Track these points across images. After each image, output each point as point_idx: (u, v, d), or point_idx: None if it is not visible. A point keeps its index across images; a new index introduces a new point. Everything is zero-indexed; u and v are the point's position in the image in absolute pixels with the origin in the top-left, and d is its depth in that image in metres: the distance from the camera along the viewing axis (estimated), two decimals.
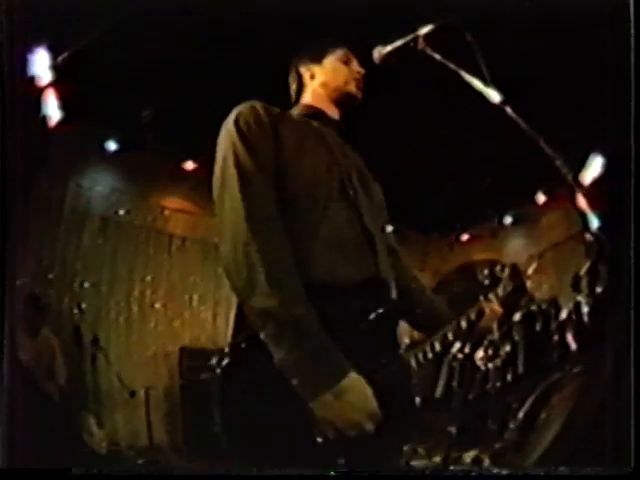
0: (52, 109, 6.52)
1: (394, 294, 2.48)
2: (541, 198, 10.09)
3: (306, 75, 2.77)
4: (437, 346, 2.50)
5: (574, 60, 5.14)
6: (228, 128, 2.36)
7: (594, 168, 7.42)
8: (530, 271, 7.27)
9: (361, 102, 2.79)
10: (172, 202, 9.67)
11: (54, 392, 7.00)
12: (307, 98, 2.74)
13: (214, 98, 7.11)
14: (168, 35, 5.81)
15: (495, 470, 3.35)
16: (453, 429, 6.16)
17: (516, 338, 6.57)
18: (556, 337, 6.25)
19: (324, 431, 1.98)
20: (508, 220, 11.29)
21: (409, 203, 9.70)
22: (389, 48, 2.61)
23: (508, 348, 6.40)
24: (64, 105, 6.52)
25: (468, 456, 6.02)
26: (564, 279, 7.17)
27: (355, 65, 2.75)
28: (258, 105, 2.39)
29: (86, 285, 8.38)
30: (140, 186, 9.36)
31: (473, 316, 2.52)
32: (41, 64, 5.72)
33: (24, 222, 3.46)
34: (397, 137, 7.84)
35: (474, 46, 2.26)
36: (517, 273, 2.68)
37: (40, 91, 5.85)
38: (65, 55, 5.58)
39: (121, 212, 8.96)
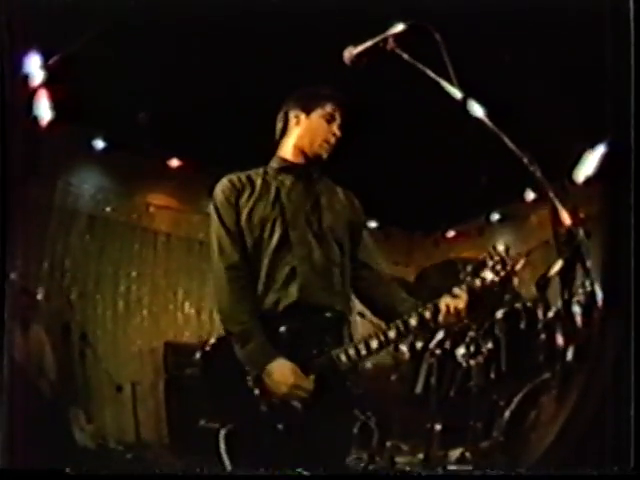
0: (44, 110, 6.54)
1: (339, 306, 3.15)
2: (530, 195, 10.10)
3: (293, 121, 3.32)
4: (374, 344, 2.96)
5: (574, 59, 5.18)
6: (211, 202, 3.26)
7: (588, 165, 7.48)
8: (518, 268, 7.30)
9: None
10: (157, 199, 9.70)
11: (45, 388, 7.02)
12: (286, 149, 3.34)
13: (200, 97, 7.18)
14: (155, 37, 5.85)
15: (496, 470, 3.38)
16: (437, 426, 6.18)
17: (498, 335, 6.53)
18: (543, 336, 6.23)
19: (267, 401, 2.89)
20: (495, 217, 11.30)
21: (394, 200, 9.76)
22: (359, 49, 2.72)
23: (490, 345, 6.36)
24: (55, 106, 6.54)
25: (453, 454, 6.06)
26: (553, 278, 7.20)
27: (335, 126, 3.27)
28: (228, 181, 3.23)
29: (74, 282, 8.41)
30: (126, 184, 9.43)
31: (428, 313, 2.96)
32: (33, 66, 5.74)
33: (16, 221, 3.49)
34: (384, 135, 7.87)
35: (441, 46, 2.39)
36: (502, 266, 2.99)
37: (32, 92, 5.87)
38: (56, 57, 5.61)
39: (107, 209, 9.00)
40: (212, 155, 7.71)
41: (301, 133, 3.28)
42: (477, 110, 2.34)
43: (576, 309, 5.80)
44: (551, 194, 2.17)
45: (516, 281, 7.07)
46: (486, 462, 5.33)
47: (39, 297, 7.90)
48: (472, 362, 6.29)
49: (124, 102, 7.14)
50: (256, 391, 2.92)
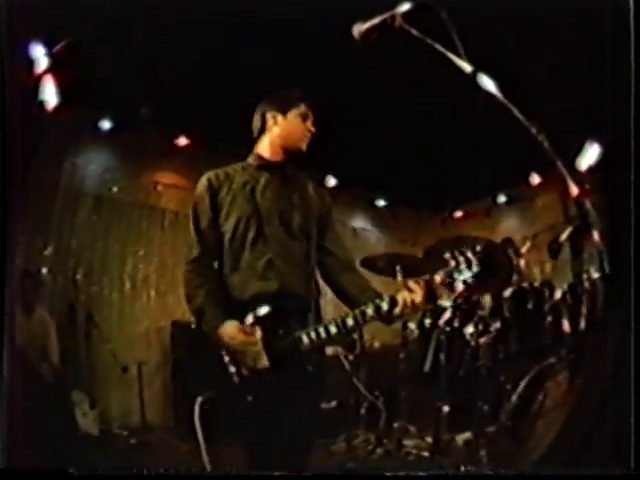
0: (49, 94, 6.53)
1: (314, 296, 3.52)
2: (535, 179, 10.10)
3: (270, 121, 3.64)
4: (333, 329, 3.24)
5: (574, 49, 5.15)
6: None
7: (590, 155, 7.46)
8: (523, 250, 7.27)
9: (355, 82, 3.37)
10: (165, 177, 9.67)
11: (47, 373, 7.02)
12: (263, 146, 3.66)
13: (206, 75, 7.13)
14: (161, 16, 5.80)
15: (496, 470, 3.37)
16: (445, 407, 6.16)
17: (507, 315, 6.53)
18: (550, 318, 6.22)
19: (239, 374, 3.22)
20: (502, 199, 11.32)
21: (402, 179, 9.73)
22: (368, 24, 2.73)
23: (498, 324, 6.34)
24: (61, 90, 6.53)
25: (461, 439, 6.03)
26: (559, 261, 7.15)
27: (309, 124, 3.61)
28: (207, 179, 3.55)
29: (80, 263, 8.40)
30: (133, 163, 9.41)
31: (385, 305, 3.20)
32: (38, 53, 5.73)
33: (21, 203, 3.48)
34: (391, 115, 7.84)
35: (448, 23, 2.39)
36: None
37: (37, 78, 5.87)
38: (61, 44, 5.60)
39: (114, 189, 8.98)
40: (219, 133, 7.69)
41: (280, 132, 3.61)
42: (487, 83, 2.34)
43: (580, 292, 5.80)
44: (559, 163, 2.15)
45: (523, 263, 7.06)
46: (493, 447, 5.30)
47: (44, 279, 7.89)
48: (481, 341, 6.25)
49: (130, 83, 7.10)
50: (226, 359, 3.26)
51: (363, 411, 7.28)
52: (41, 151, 6.69)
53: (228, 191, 3.54)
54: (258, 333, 3.25)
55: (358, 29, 2.75)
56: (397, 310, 3.21)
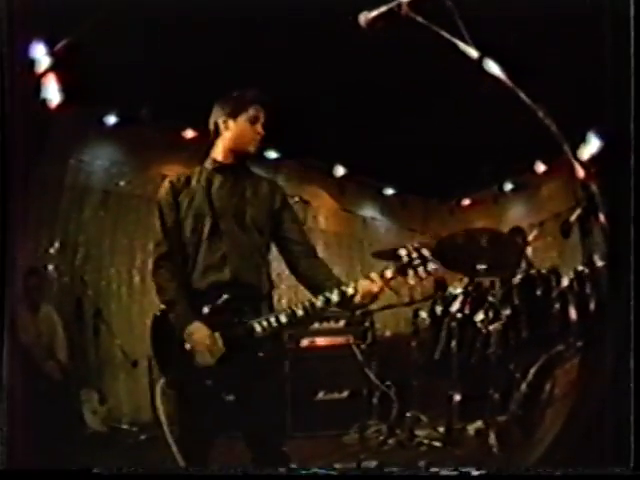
0: (52, 92, 6.54)
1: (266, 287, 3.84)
2: (540, 167, 10.13)
3: (222, 126, 3.86)
4: (283, 319, 3.54)
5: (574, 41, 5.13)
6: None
7: (592, 146, 7.45)
8: (531, 238, 7.26)
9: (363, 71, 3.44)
10: (173, 170, 9.60)
11: (55, 371, 7.03)
12: (217, 150, 3.92)
13: (211, 66, 7.10)
14: (164, 10, 5.78)
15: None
16: (457, 396, 6.14)
17: (516, 302, 6.53)
18: (557, 306, 6.23)
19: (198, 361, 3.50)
20: (509, 187, 11.34)
21: (411, 167, 9.71)
22: (374, 13, 2.77)
23: (508, 311, 6.34)
24: (64, 88, 6.53)
25: (472, 428, 6.01)
26: (565, 250, 7.13)
27: (259, 126, 3.85)
28: (169, 182, 3.88)
29: (88, 258, 8.41)
30: (140, 157, 9.40)
31: (335, 297, 3.51)
32: (41, 51, 5.74)
33: (24, 202, 3.48)
34: (398, 104, 7.83)
35: (453, 10, 2.46)
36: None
37: (39, 77, 5.89)
38: (63, 41, 5.60)
39: (122, 183, 8.98)
40: None
41: (230, 136, 3.86)
42: (494, 68, 2.36)
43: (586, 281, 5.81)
44: (566, 147, 2.16)
45: (530, 251, 7.05)
46: (505, 437, 5.29)
47: (50, 276, 7.89)
48: (491, 328, 6.24)
49: (134, 76, 7.08)
50: (188, 346, 3.53)
51: (375, 401, 7.27)
52: (45, 149, 6.71)
53: (187, 192, 3.86)
54: (221, 343, 3.55)
55: (364, 17, 2.79)
56: (357, 299, 3.50)
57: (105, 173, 9.06)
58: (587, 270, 5.90)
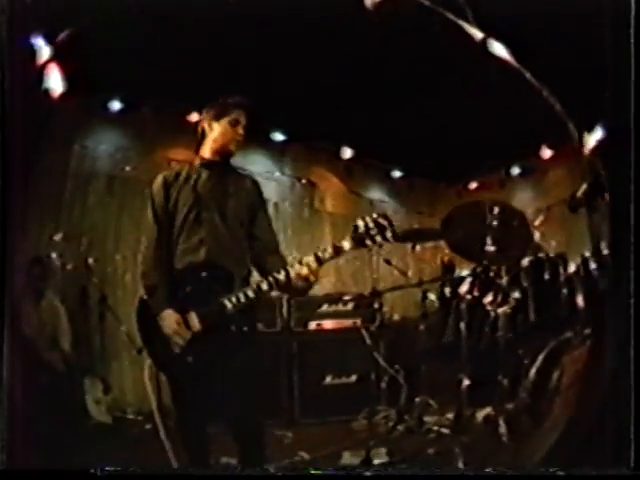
0: (54, 82, 6.52)
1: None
2: (547, 152, 10.10)
3: (207, 128, 4.39)
4: (250, 294, 3.92)
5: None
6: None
7: (594, 137, 7.40)
8: (537, 223, 7.21)
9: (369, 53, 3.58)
10: (179, 154, 9.56)
11: (58, 362, 7.01)
12: (205, 149, 4.41)
13: (217, 50, 7.06)
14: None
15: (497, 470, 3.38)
16: (466, 381, 6.10)
17: (524, 284, 6.50)
18: (565, 291, 6.21)
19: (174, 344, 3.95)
20: (516, 171, 11.32)
21: (418, 150, 9.68)
22: None
23: (517, 294, 6.31)
24: (67, 77, 6.51)
25: (481, 415, 5.97)
26: (571, 235, 7.09)
27: (240, 128, 4.34)
28: (162, 177, 4.37)
29: (92, 245, 8.38)
30: (145, 141, 9.37)
31: (281, 276, 3.88)
32: (42, 41, 5.72)
33: (28, 190, 3.48)
34: (405, 87, 7.79)
35: None
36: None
37: (41, 67, 5.86)
38: (66, 31, 5.58)
39: (127, 168, 8.94)
40: None
41: (214, 137, 4.37)
42: (498, 48, 2.35)
43: (593, 267, 5.78)
44: (571, 126, 2.14)
45: (537, 235, 6.99)
46: (513, 425, 5.26)
47: (54, 264, 7.86)
48: (500, 311, 6.20)
49: (137, 62, 7.05)
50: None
51: (384, 385, 7.24)
52: (48, 137, 6.71)
53: (177, 185, 4.31)
54: (195, 320, 3.94)
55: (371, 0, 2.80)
56: (295, 282, 3.89)
57: (110, 159, 9.05)
58: (593, 257, 5.88)
